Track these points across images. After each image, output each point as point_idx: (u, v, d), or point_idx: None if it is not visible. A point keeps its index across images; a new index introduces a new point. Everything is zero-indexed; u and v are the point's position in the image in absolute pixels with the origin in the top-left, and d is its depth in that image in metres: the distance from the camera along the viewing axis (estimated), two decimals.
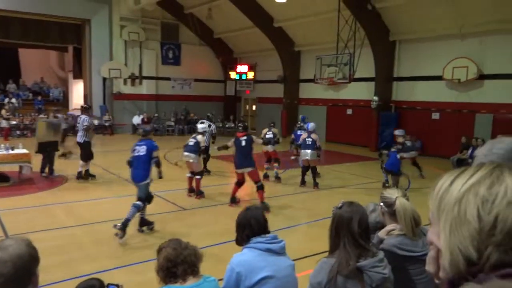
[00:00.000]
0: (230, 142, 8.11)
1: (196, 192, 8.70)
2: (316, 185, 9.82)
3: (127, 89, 22.71)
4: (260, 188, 7.93)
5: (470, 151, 12.72)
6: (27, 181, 10.01)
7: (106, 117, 21.45)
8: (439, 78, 15.66)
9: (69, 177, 10.70)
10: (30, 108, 21.75)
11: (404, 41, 17.17)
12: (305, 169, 9.90)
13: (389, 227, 2.45)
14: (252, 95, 25.18)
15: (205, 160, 10.88)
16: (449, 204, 0.73)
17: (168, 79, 24.18)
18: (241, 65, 24.87)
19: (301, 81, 21.96)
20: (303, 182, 9.96)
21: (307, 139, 9.76)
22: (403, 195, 2.41)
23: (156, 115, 22.81)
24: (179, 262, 2.25)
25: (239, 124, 8.27)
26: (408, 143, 10.55)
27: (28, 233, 6.09)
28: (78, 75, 24.58)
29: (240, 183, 8.05)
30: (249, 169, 7.84)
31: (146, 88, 23.34)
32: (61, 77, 27.82)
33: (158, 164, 6.59)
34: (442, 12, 14.89)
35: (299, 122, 12.96)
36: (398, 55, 17.44)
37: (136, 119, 22.18)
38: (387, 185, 9.71)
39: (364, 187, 10.34)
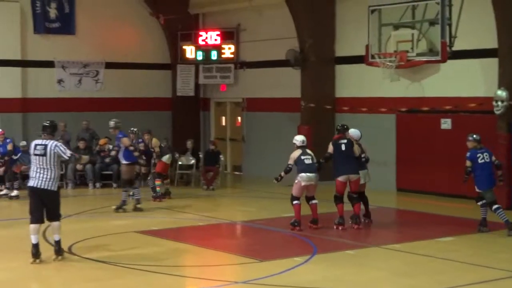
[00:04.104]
0: (330, 148, 14.98)
1: (314, 219, 14.97)
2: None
3: None
4: (359, 201, 15.14)
5: None
6: None
7: None
8: None
9: None
10: None
11: None
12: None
13: None
14: (233, 93, 25.74)
15: None
16: None
17: (49, 64, 24.43)
18: (206, 30, 25.44)
19: (339, 61, 22.39)
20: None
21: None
22: None
23: (24, 143, 21.66)
24: None
25: (338, 126, 15.68)
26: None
27: None
28: None
29: (341, 198, 14.94)
30: (356, 176, 14.81)
31: (1, 85, 23.39)
32: None
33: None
34: None
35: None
36: None
37: None
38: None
39: None
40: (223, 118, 26.63)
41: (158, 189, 19.32)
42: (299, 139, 14.88)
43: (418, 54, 17.85)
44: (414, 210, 17.86)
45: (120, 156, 17.52)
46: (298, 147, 14.70)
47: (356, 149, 14.95)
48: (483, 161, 14.24)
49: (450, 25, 17.13)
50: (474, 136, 14.52)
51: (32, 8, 23.79)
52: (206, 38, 25.06)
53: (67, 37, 24.45)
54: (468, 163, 14.38)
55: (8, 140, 19.91)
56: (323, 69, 22.20)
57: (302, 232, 14.58)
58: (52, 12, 24.09)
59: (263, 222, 16.21)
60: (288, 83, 22.89)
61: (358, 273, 11.38)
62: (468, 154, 14.36)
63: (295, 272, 11.32)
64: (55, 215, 11.95)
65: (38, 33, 24.00)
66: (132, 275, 11.36)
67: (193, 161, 22.56)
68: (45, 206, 11.87)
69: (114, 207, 17.35)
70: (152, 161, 19.32)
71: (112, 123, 17.64)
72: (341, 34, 21.98)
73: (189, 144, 23.06)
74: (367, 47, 18.70)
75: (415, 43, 17.81)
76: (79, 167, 21.70)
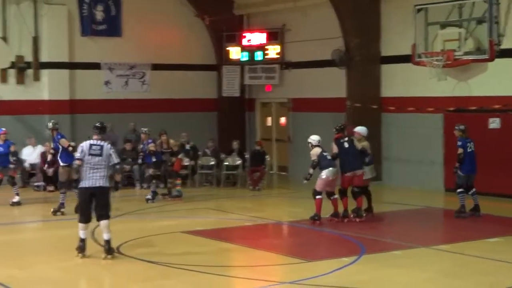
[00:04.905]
0: (334, 148, 15.79)
1: (336, 212, 15.81)
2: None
3: (8, 91, 23.35)
4: (361, 195, 15.95)
5: None
6: None
7: None
8: None
9: None
10: None
11: None
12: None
13: None
14: (278, 94, 25.93)
15: None
16: None
17: (96, 66, 24.83)
18: (252, 31, 25.75)
19: (385, 60, 22.47)
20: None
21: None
22: None
23: (72, 144, 22.11)
24: None
25: (338, 126, 16.34)
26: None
27: None
28: None
29: (345, 191, 15.87)
30: (360, 171, 15.72)
31: (48, 87, 23.95)
32: None
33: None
34: None
35: None
36: None
37: (29, 153, 22.47)
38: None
39: None
40: (269, 118, 26.78)
41: (178, 188, 19.77)
42: (315, 138, 15.69)
43: (465, 53, 17.89)
44: None
45: (58, 157, 17.37)
46: (314, 146, 15.58)
47: (366, 145, 16.25)
48: (470, 149, 15.94)
49: (497, 23, 17.14)
50: (461, 126, 16.10)
51: (79, 11, 24.18)
52: (251, 39, 25.35)
53: (113, 39, 24.89)
54: (460, 150, 15.77)
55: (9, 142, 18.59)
56: (368, 68, 22.26)
57: (349, 232, 14.64)
58: (99, 15, 24.52)
59: (310, 223, 16.11)
60: (333, 83, 22.93)
61: (406, 274, 11.35)
62: (459, 143, 15.84)
63: (343, 273, 11.35)
64: (105, 213, 12.25)
65: (85, 36, 24.40)
66: (180, 275, 11.52)
67: (239, 162, 22.62)
68: (96, 203, 12.20)
69: (52, 209, 17.08)
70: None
71: (50, 124, 17.57)
72: (387, 34, 22.03)
73: (235, 144, 23.18)
74: (413, 46, 18.77)
75: (462, 42, 17.87)
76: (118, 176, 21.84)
